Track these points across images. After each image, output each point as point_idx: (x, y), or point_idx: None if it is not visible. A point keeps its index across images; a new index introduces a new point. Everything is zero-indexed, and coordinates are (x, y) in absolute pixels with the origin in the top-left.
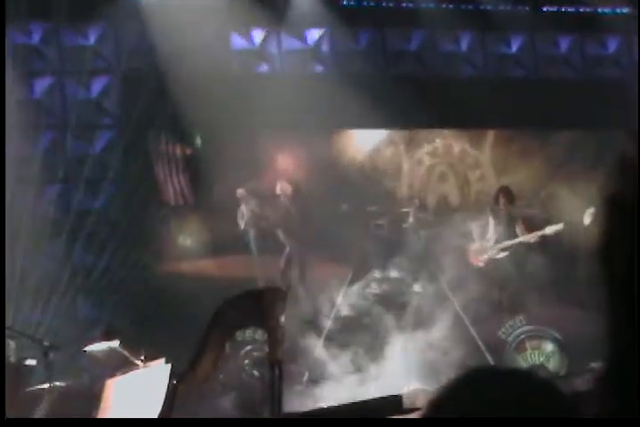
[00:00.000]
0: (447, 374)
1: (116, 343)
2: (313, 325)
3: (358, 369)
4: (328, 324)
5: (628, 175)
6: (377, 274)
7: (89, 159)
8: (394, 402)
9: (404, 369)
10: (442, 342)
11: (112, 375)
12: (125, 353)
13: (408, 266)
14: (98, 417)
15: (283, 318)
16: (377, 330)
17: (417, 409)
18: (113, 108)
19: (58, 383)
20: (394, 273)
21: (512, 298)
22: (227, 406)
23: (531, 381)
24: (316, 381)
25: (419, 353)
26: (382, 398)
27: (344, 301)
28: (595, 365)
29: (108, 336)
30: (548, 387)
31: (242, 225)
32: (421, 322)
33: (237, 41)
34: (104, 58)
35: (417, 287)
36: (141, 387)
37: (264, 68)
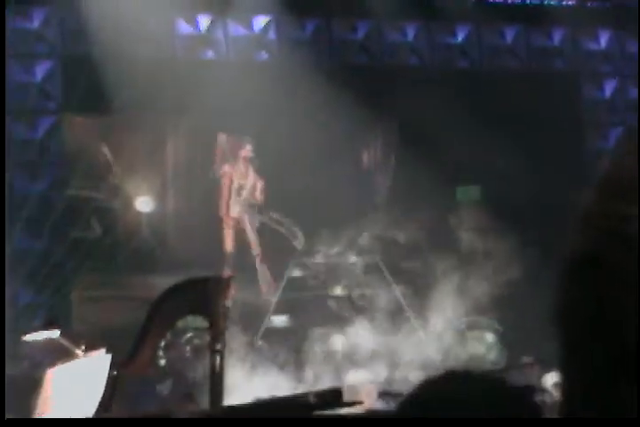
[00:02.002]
0: (392, 364)
1: (56, 333)
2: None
3: (299, 360)
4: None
5: (591, 231)
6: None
7: (32, 144)
8: (333, 395)
9: (347, 358)
10: (385, 330)
11: (52, 364)
12: (66, 343)
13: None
14: (38, 407)
15: (226, 307)
16: (327, 313)
17: (358, 403)
18: (56, 92)
19: None
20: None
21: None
22: (167, 394)
23: (500, 385)
24: (257, 370)
25: (361, 341)
26: (322, 391)
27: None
28: (527, 359)
29: (48, 326)
30: (518, 393)
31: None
32: (364, 310)
33: (183, 26)
34: (48, 42)
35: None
36: (82, 376)
37: (210, 54)
